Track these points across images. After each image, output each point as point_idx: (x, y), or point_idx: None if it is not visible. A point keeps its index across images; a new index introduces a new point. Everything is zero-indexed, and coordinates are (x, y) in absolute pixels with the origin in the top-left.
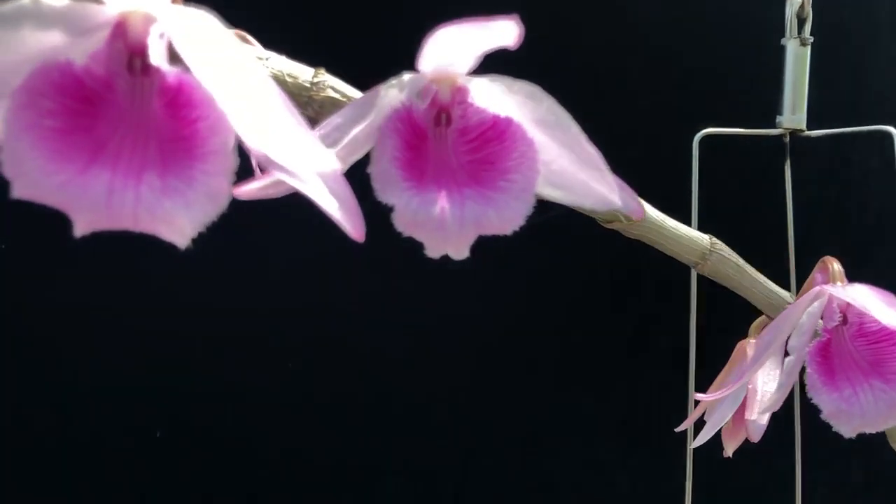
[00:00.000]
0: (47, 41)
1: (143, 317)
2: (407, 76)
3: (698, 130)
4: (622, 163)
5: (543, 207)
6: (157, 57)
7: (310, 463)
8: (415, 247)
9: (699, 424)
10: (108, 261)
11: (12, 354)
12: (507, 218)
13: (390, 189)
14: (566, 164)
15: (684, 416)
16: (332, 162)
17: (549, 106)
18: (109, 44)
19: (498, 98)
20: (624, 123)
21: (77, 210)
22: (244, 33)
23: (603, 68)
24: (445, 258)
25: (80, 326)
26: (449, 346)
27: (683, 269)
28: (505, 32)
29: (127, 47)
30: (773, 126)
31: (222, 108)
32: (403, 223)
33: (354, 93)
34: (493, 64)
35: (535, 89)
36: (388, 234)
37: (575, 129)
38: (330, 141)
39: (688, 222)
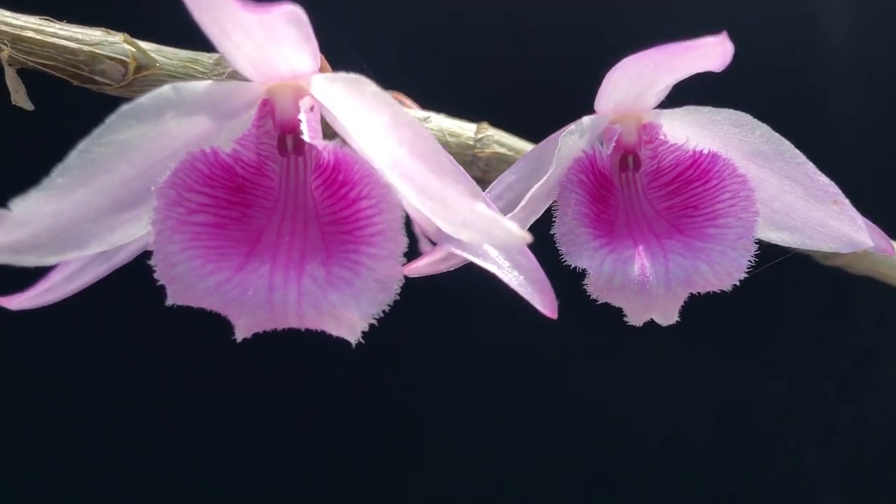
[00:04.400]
0: (192, 131)
1: None
2: (587, 119)
3: None
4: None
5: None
6: (309, 133)
7: None
8: None
9: None
10: None
11: None
12: (724, 271)
13: (579, 250)
14: (793, 200)
15: None
16: (518, 233)
17: (763, 134)
18: (257, 124)
19: (697, 131)
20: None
21: (237, 313)
22: (401, 95)
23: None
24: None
25: None
26: (651, 381)
27: None
28: (708, 54)
29: (277, 126)
30: None
31: (386, 182)
32: (598, 288)
33: (524, 145)
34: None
35: (742, 116)
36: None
37: (800, 158)
38: (504, 202)
39: None
